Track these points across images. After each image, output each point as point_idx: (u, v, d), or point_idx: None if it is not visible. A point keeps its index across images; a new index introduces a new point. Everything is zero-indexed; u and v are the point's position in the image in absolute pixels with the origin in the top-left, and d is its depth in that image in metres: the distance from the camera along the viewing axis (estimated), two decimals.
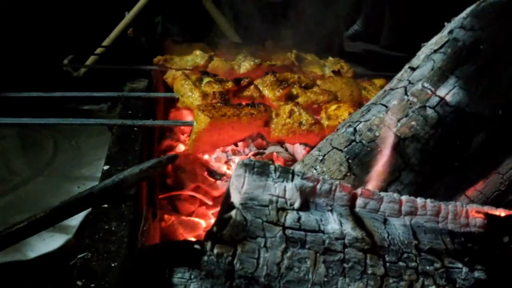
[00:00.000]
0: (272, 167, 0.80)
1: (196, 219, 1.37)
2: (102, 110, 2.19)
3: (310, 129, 1.32)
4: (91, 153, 1.73)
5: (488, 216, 0.87)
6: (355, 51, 3.26)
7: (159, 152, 1.63)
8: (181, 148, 1.68)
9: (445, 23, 1.06)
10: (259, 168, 0.79)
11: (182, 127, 1.83)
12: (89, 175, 1.59)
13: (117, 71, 1.88)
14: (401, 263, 0.79)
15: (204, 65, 1.73)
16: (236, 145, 1.69)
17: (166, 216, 1.35)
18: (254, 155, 1.69)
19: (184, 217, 1.37)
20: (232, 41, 2.39)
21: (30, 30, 2.24)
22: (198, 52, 1.79)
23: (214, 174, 1.58)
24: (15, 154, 1.75)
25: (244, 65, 1.74)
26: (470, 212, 0.87)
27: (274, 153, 1.66)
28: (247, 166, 0.79)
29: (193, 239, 1.09)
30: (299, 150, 1.64)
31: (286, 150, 1.75)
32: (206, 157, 1.67)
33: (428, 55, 1.03)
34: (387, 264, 0.79)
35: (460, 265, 0.82)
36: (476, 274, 0.82)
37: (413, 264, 0.80)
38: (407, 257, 0.80)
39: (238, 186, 0.78)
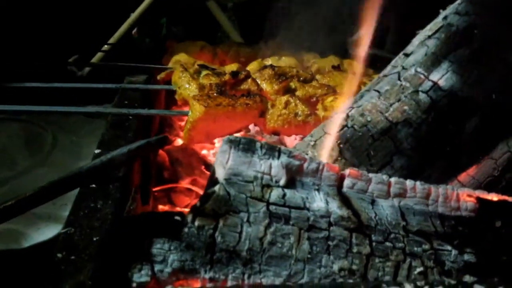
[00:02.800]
0: (258, 144, 0.80)
1: None
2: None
3: (306, 120, 1.31)
4: (90, 147, 1.72)
5: (479, 200, 0.86)
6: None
7: None
8: (179, 142, 1.68)
9: (440, 11, 1.06)
10: (244, 144, 0.79)
11: (182, 124, 1.82)
12: None
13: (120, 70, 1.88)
14: (388, 243, 0.78)
15: None
16: None
17: (159, 207, 1.34)
18: None
19: (178, 208, 1.36)
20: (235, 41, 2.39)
21: (36, 30, 2.26)
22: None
23: (212, 168, 1.57)
24: (15, 147, 1.75)
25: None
26: (461, 196, 0.85)
27: None
28: (232, 142, 0.78)
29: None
30: None
31: (285, 146, 1.73)
32: (204, 151, 1.66)
33: (422, 41, 1.02)
34: (373, 244, 0.77)
35: (449, 248, 0.80)
36: (466, 257, 0.81)
37: (400, 244, 0.79)
38: (394, 238, 0.79)
39: (223, 162, 0.77)
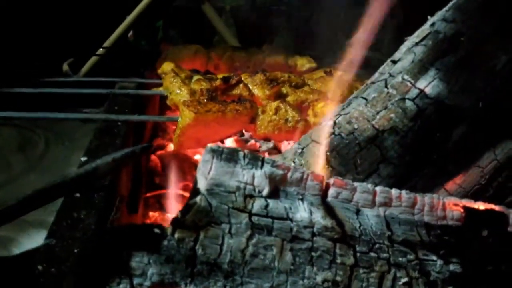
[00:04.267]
0: (241, 154, 0.79)
1: None
2: None
3: (296, 126, 1.31)
4: (82, 152, 1.73)
5: (466, 209, 0.85)
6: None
7: None
8: (171, 147, 1.67)
9: (428, 17, 1.05)
10: (227, 154, 0.78)
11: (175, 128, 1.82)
12: None
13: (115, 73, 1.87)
14: (372, 254, 0.77)
15: None
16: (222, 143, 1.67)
17: (150, 213, 1.34)
18: None
19: (169, 215, 1.35)
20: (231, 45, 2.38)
21: (31, 33, 2.25)
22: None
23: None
24: (5, 152, 1.75)
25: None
26: (447, 204, 0.85)
27: (266, 154, 1.64)
28: (215, 152, 0.78)
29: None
30: None
31: (280, 151, 1.73)
32: (197, 157, 1.66)
33: (409, 48, 1.02)
34: (358, 254, 0.77)
35: (434, 258, 0.80)
36: (452, 267, 0.80)
37: (385, 255, 0.78)
38: (379, 248, 0.78)
39: (205, 172, 0.76)
